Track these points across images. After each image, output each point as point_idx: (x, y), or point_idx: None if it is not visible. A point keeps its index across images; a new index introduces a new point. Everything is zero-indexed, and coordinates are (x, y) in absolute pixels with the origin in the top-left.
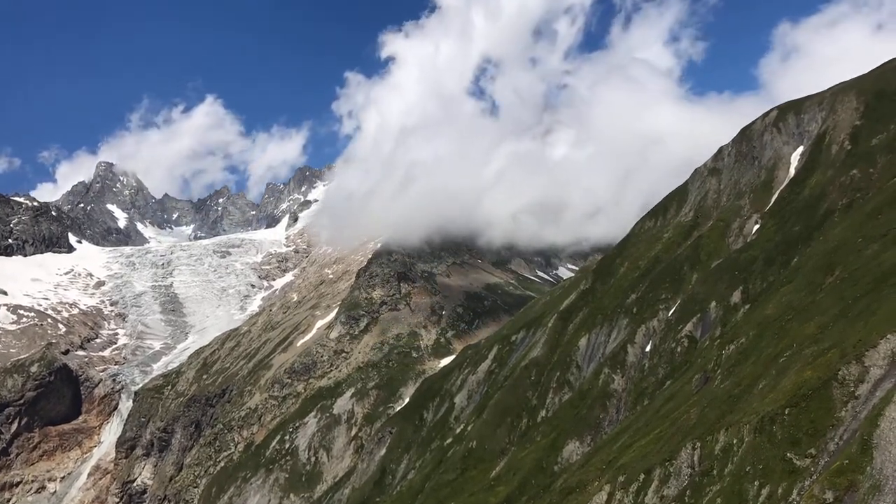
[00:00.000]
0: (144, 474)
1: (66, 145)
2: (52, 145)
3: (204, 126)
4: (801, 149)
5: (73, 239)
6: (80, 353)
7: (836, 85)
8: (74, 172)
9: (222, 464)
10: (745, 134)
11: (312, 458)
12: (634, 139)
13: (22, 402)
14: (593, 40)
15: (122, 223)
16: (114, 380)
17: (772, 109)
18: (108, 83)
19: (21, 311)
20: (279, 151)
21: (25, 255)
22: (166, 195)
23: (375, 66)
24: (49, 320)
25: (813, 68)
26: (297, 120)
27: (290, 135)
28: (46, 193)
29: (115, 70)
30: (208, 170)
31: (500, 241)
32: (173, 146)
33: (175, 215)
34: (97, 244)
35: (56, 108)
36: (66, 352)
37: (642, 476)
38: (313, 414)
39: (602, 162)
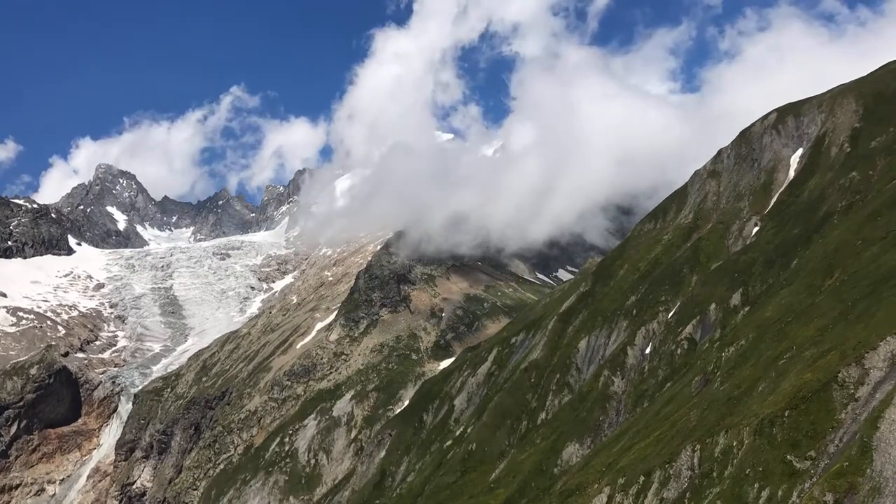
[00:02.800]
0: (144, 477)
1: (88, 135)
2: (73, 134)
3: (228, 116)
4: (800, 151)
5: (72, 241)
6: (80, 355)
7: (836, 87)
8: (92, 162)
9: (222, 466)
10: (745, 136)
11: (312, 461)
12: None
13: (21, 404)
14: (605, 31)
15: (121, 225)
16: (113, 382)
17: (771, 112)
18: (128, 76)
19: (20, 314)
20: (302, 140)
21: (25, 258)
22: (166, 197)
23: (396, 18)
24: (48, 322)
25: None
26: (321, 108)
27: (318, 121)
28: (63, 175)
29: (137, 63)
30: (229, 158)
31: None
32: (195, 137)
33: (174, 217)
34: (97, 246)
35: (77, 100)
36: (66, 354)
37: (642, 478)
38: (313, 416)
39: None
